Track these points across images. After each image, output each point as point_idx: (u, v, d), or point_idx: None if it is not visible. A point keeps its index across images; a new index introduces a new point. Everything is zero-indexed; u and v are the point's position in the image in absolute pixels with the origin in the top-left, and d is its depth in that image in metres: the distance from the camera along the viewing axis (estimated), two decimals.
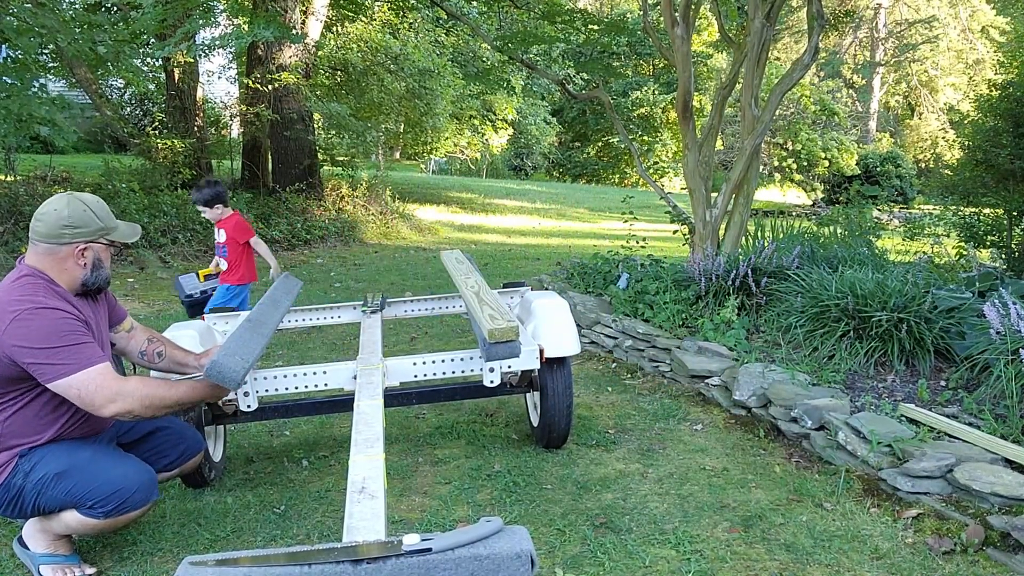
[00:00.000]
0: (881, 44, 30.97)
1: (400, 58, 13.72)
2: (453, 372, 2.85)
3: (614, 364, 4.73)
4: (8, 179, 8.92)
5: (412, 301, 3.97)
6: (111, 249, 2.42)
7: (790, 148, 25.10)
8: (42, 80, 8.67)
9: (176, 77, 11.44)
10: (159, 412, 2.28)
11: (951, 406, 3.27)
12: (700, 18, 22.33)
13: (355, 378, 2.65)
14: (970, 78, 26.94)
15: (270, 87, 10.79)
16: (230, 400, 2.71)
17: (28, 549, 2.37)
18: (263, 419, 3.16)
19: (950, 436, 2.91)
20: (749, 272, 4.68)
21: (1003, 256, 5.38)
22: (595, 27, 9.49)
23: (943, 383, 3.55)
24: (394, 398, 3.16)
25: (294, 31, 9.95)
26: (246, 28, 8.15)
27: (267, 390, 2.71)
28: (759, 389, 3.57)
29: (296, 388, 2.74)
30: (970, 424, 3.00)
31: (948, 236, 6.51)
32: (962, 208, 5.96)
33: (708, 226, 5.41)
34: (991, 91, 5.89)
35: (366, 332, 3.29)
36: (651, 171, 26.17)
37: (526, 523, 2.64)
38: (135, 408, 2.20)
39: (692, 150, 5.47)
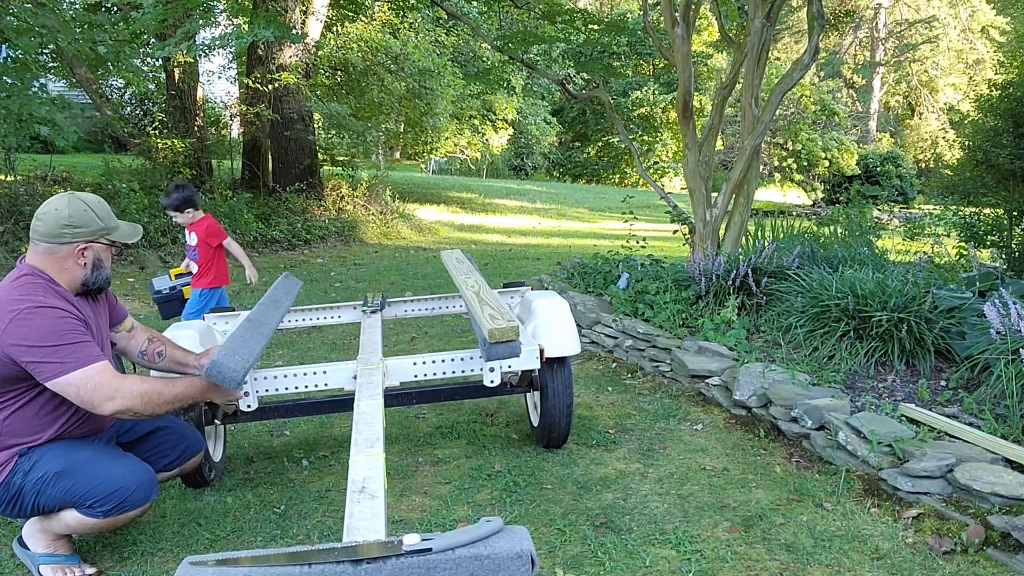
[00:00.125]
0: (881, 44, 30.98)
1: (400, 58, 13.72)
2: (453, 372, 2.85)
3: (614, 364, 4.73)
4: (8, 179, 8.92)
5: (412, 301, 3.96)
6: (112, 249, 2.42)
7: (790, 148, 25.11)
8: (42, 80, 8.68)
9: (176, 77, 11.44)
10: (159, 410, 2.28)
11: (951, 406, 3.27)
12: (700, 18, 22.33)
13: (355, 378, 2.65)
14: (970, 78, 26.94)
15: (270, 87, 10.79)
16: (230, 400, 2.71)
17: (28, 549, 2.37)
18: (263, 419, 3.16)
19: (950, 436, 2.91)
20: (749, 272, 4.68)
21: (1003, 256, 5.38)
22: (595, 27, 9.49)
23: (943, 383, 3.54)
24: (394, 398, 3.16)
25: (294, 31, 9.95)
26: (246, 28, 8.15)
27: (267, 390, 2.72)
28: (759, 389, 3.57)
29: (296, 388, 2.74)
30: (970, 424, 3.00)
31: (948, 236, 6.51)
32: (962, 208, 5.96)
33: (708, 226, 5.40)
34: (991, 91, 5.89)
35: (366, 332, 3.29)
36: (651, 171, 26.17)
37: (526, 523, 2.64)
38: (135, 405, 2.20)
39: (692, 150, 5.46)
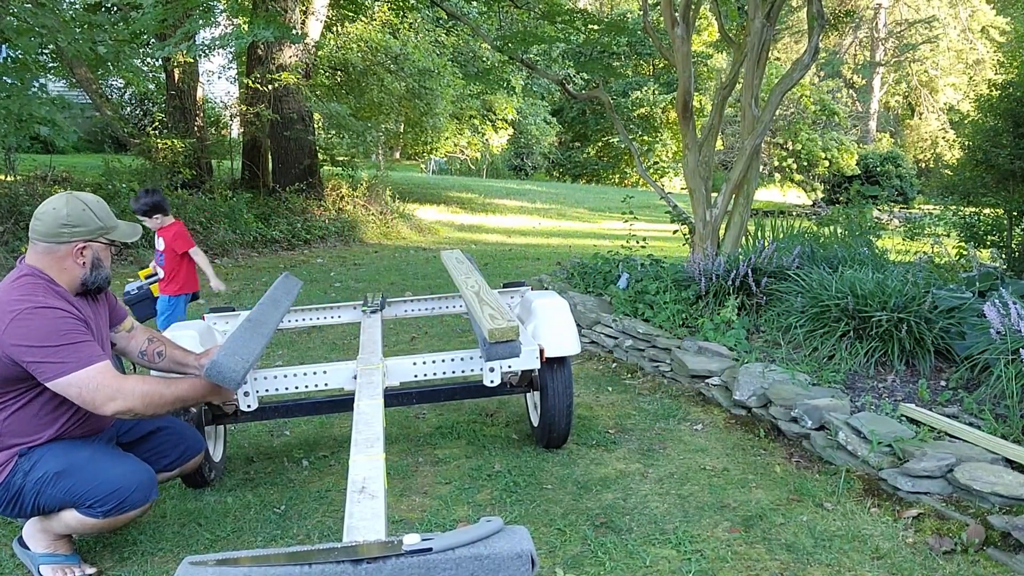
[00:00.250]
0: (881, 44, 30.98)
1: (400, 58, 13.73)
2: (453, 372, 2.85)
3: (614, 364, 4.73)
4: (8, 179, 8.92)
5: (412, 301, 3.96)
6: (111, 249, 2.42)
7: (790, 148, 25.11)
8: (42, 80, 8.68)
9: (176, 77, 11.44)
10: (160, 410, 2.28)
11: (951, 406, 3.27)
12: (700, 18, 22.34)
13: (355, 378, 2.64)
14: (970, 78, 26.94)
15: (270, 87, 10.79)
16: (230, 400, 2.71)
17: (28, 549, 2.37)
18: (263, 419, 3.16)
19: (950, 436, 2.91)
20: (749, 272, 4.68)
21: (1003, 256, 5.38)
22: (595, 27, 9.49)
23: (943, 383, 3.54)
24: (394, 398, 3.16)
25: (294, 31, 9.95)
26: (246, 28, 8.15)
27: (267, 390, 2.71)
28: (759, 389, 3.57)
29: (296, 388, 2.73)
30: (970, 424, 3.00)
31: (948, 236, 6.51)
32: (962, 208, 5.96)
33: (708, 226, 5.41)
34: (991, 91, 5.89)
35: (366, 332, 3.29)
36: (651, 171, 26.17)
37: (526, 523, 2.64)
38: (135, 406, 2.20)
39: (692, 150, 5.46)
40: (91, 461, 2.26)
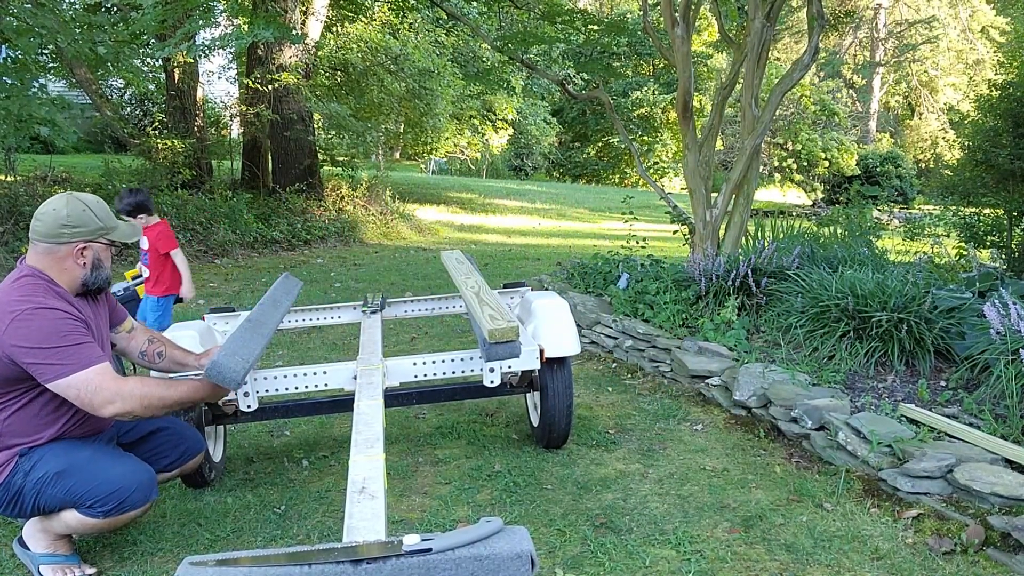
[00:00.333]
0: (881, 44, 30.97)
1: (400, 58, 13.72)
2: (453, 372, 2.85)
3: (614, 364, 4.73)
4: (8, 179, 8.92)
5: (412, 301, 3.96)
6: (111, 249, 2.42)
7: (790, 148, 25.10)
8: (42, 80, 8.68)
9: (176, 77, 11.44)
10: (159, 412, 2.29)
11: (951, 406, 3.27)
12: (700, 18, 22.34)
13: (355, 378, 2.65)
14: (970, 78, 26.93)
15: (270, 87, 10.79)
16: (230, 400, 2.71)
17: (28, 549, 2.37)
18: (263, 419, 3.16)
19: (950, 436, 2.91)
20: (749, 272, 4.68)
21: (1003, 256, 5.38)
22: (595, 27, 9.49)
23: (943, 383, 3.55)
24: (394, 398, 3.16)
25: (294, 31, 9.95)
26: (246, 28, 8.14)
27: (267, 390, 2.71)
28: (759, 389, 3.57)
29: (296, 388, 2.73)
30: (970, 424, 3.00)
31: (948, 236, 6.51)
32: (962, 208, 5.96)
33: (708, 226, 5.41)
34: (991, 91, 5.89)
35: (366, 332, 3.29)
36: (651, 171, 26.17)
37: (526, 523, 2.64)
38: (134, 408, 2.20)
39: (692, 150, 5.47)
40: (91, 461, 2.26)
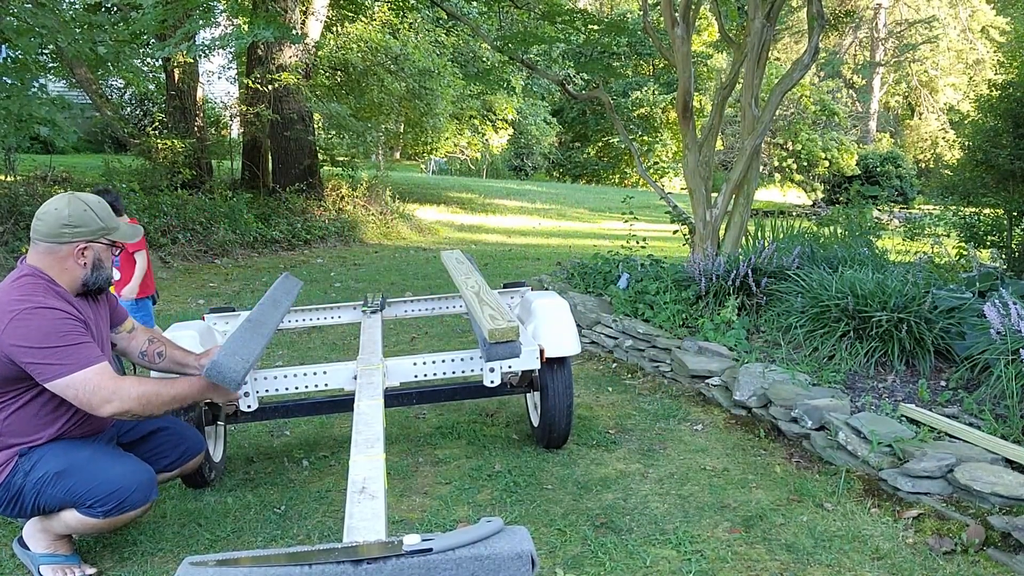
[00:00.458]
0: (881, 44, 30.97)
1: (400, 58, 13.72)
2: (453, 372, 2.85)
3: (614, 364, 4.73)
4: (8, 179, 8.92)
5: (412, 301, 3.96)
6: (112, 249, 2.42)
7: (790, 148, 25.10)
8: (42, 80, 8.68)
9: (176, 77, 11.44)
10: (157, 411, 2.29)
11: (951, 406, 3.27)
12: (700, 18, 22.33)
13: (355, 378, 2.64)
14: (970, 78, 26.93)
15: (270, 87, 10.79)
16: (230, 400, 2.71)
17: (28, 549, 2.37)
18: (263, 419, 3.16)
19: (950, 436, 2.91)
20: (749, 272, 4.68)
21: (1003, 256, 5.38)
22: (595, 27, 9.49)
23: (943, 383, 3.55)
24: (394, 398, 3.16)
25: (294, 31, 9.95)
26: (246, 28, 8.14)
27: (267, 390, 2.71)
28: (759, 389, 3.57)
29: (296, 388, 2.73)
30: (970, 424, 3.00)
31: (948, 236, 6.51)
32: (962, 208, 5.96)
33: (708, 226, 5.41)
34: (991, 91, 5.89)
35: (366, 332, 3.29)
36: (651, 171, 26.16)
37: (526, 523, 2.64)
38: (132, 408, 2.20)
39: (692, 150, 5.47)
40: (91, 461, 2.26)
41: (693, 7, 5.69)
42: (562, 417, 3.14)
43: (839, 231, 6.14)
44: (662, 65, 28.22)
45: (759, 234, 5.84)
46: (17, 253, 7.10)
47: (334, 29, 14.03)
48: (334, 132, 13.30)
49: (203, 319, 3.52)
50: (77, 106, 11.75)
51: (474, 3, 13.07)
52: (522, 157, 30.29)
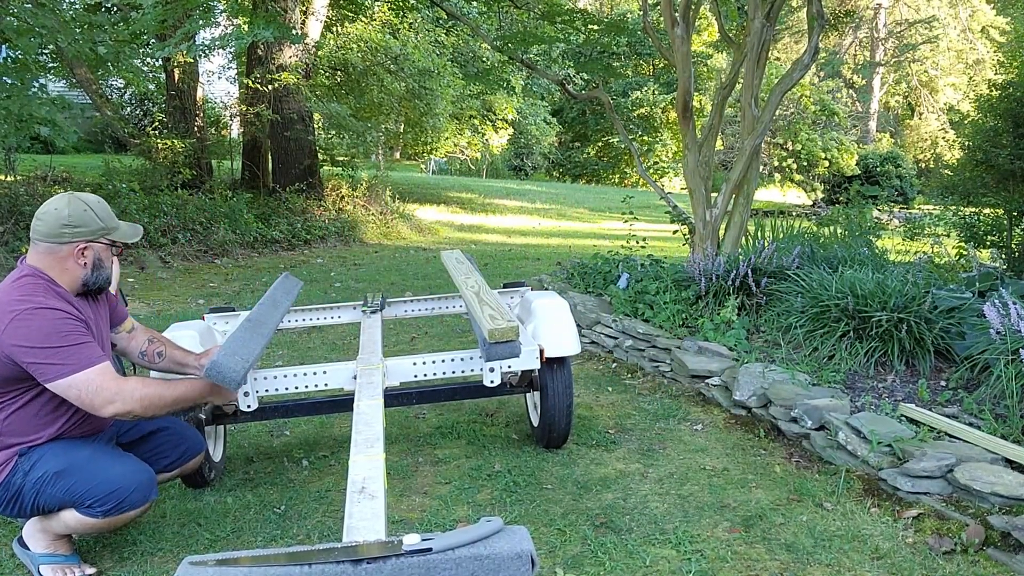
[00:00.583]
0: (881, 44, 30.97)
1: (400, 58, 13.72)
2: (453, 372, 2.85)
3: (614, 364, 4.73)
4: (8, 179, 8.92)
5: (412, 301, 3.96)
6: (112, 249, 2.42)
7: (790, 148, 25.10)
8: (42, 80, 8.67)
9: (176, 77, 11.44)
10: (158, 412, 2.29)
11: (951, 406, 3.27)
12: (700, 18, 22.33)
13: (355, 378, 2.64)
14: (970, 78, 26.93)
15: (270, 87, 10.78)
16: (230, 400, 2.71)
17: (28, 549, 2.37)
18: (263, 419, 3.16)
19: (950, 436, 2.91)
20: (749, 272, 4.68)
21: (1003, 256, 5.38)
22: (595, 27, 9.49)
23: (943, 383, 3.55)
24: (394, 398, 3.16)
25: (294, 31, 9.95)
26: (246, 28, 8.14)
27: (267, 390, 2.71)
28: (759, 389, 3.57)
29: (296, 388, 2.73)
30: (970, 424, 3.00)
31: (948, 236, 6.51)
32: (962, 208, 5.96)
33: (708, 226, 5.40)
34: (991, 91, 5.89)
35: (366, 332, 3.29)
36: (651, 171, 26.16)
37: (526, 523, 2.64)
38: (134, 409, 2.20)
39: (692, 150, 5.47)
40: (91, 461, 2.26)
41: (693, 7, 5.69)
42: (562, 417, 3.14)
43: (839, 231, 6.14)
44: (662, 65, 28.23)
45: (759, 234, 5.84)
46: (17, 253, 7.10)
47: (334, 29, 14.03)
48: (334, 132, 13.29)
49: (203, 319, 3.52)
50: (77, 106, 11.74)
51: (474, 3, 13.07)
52: (522, 157, 30.29)
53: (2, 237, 7.57)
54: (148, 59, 11.27)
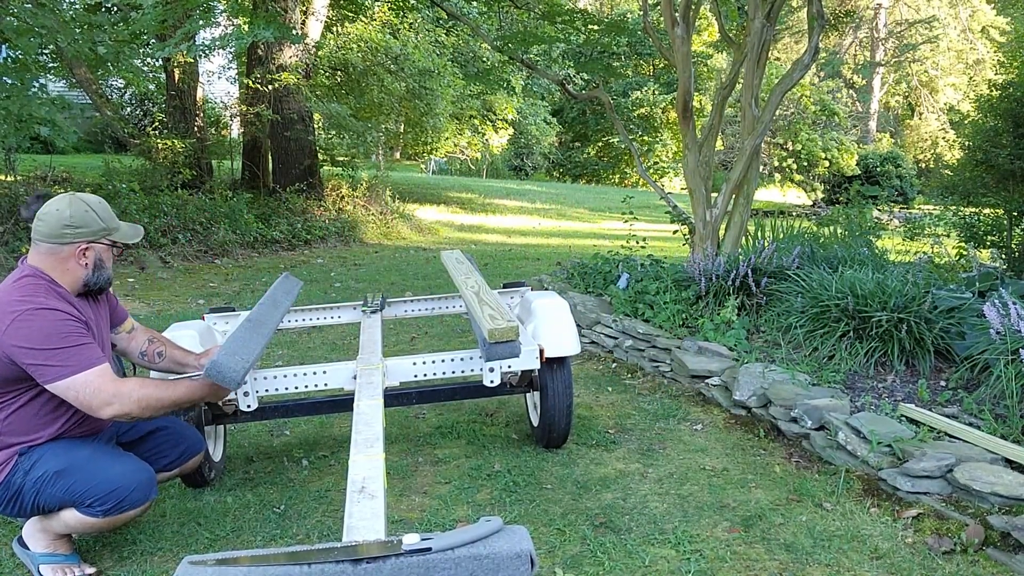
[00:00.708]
0: (881, 44, 30.97)
1: (400, 58, 13.72)
2: (453, 372, 2.85)
3: (614, 364, 4.73)
4: (8, 179, 8.92)
5: (412, 301, 3.97)
6: (113, 250, 2.42)
7: (790, 148, 25.10)
8: (42, 80, 8.67)
9: (176, 77, 11.44)
10: (157, 413, 2.29)
11: (951, 406, 3.27)
12: (700, 18, 22.33)
13: (355, 378, 2.64)
14: (970, 78, 26.93)
15: (270, 87, 10.79)
16: (230, 400, 2.71)
17: (28, 549, 2.37)
18: (263, 419, 3.16)
19: (950, 436, 2.91)
20: (749, 272, 4.68)
21: (1003, 256, 5.38)
22: (595, 27, 9.49)
23: (943, 383, 3.55)
24: (394, 398, 3.16)
25: (294, 31, 9.95)
26: (246, 28, 8.15)
27: (267, 390, 2.71)
28: (759, 389, 3.57)
29: (296, 388, 2.73)
30: (970, 424, 3.00)
31: (948, 236, 6.51)
32: (962, 208, 5.96)
33: (708, 226, 5.41)
34: (991, 91, 5.89)
35: (366, 332, 3.29)
36: (651, 171, 26.16)
37: (526, 523, 2.64)
38: (132, 410, 2.20)
39: (692, 150, 5.47)
40: (91, 460, 2.26)
41: (693, 7, 5.69)
42: (562, 417, 3.14)
43: (839, 231, 6.14)
44: (662, 65, 28.23)
45: (759, 234, 5.84)
46: (17, 253, 7.11)
47: (334, 29, 14.03)
48: (334, 132, 13.29)
49: (203, 319, 3.52)
50: (77, 106, 11.74)
51: (474, 3, 13.07)
52: (522, 157, 30.29)
53: (2, 237, 7.58)
54: (148, 59, 11.26)
